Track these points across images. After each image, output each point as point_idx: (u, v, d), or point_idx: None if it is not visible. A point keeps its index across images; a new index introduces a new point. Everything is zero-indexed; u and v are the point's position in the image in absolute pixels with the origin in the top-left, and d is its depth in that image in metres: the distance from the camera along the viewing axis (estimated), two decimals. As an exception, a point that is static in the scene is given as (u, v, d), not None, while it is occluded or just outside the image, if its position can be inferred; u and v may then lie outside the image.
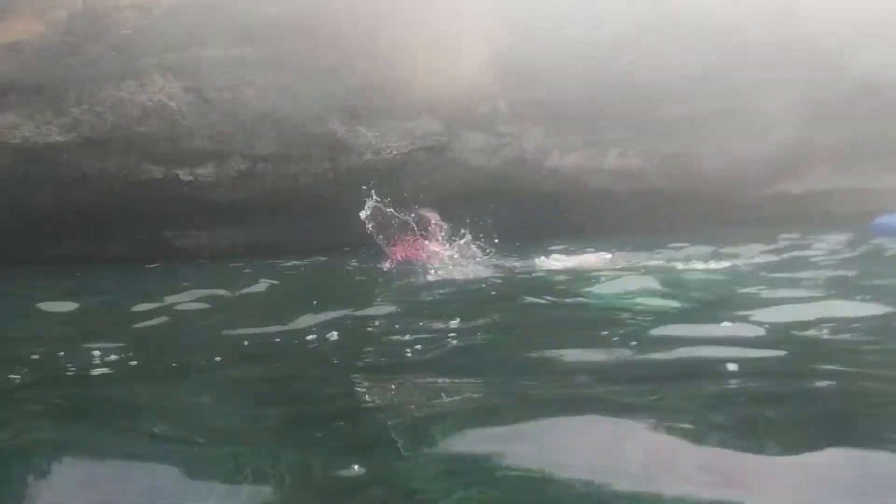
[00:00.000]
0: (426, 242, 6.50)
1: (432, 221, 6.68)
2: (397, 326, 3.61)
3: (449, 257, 6.28)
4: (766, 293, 4.15)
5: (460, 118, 9.68)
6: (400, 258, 6.49)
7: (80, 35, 8.98)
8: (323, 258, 8.40)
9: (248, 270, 7.32)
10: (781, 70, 10.53)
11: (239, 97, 9.01)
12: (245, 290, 5.48)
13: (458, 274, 5.79)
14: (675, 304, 3.94)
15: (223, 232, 9.89)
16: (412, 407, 2.19)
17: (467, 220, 6.44)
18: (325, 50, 9.14)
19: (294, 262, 7.97)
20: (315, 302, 4.28)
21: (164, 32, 8.97)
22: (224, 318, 4.20)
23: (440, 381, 2.52)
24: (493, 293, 4.89)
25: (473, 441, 1.76)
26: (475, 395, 2.29)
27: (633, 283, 4.63)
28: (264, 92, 9.06)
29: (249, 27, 9.02)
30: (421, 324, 3.62)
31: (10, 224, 8.90)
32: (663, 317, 3.49)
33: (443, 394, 2.35)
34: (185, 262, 9.09)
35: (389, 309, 4.17)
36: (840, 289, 4.23)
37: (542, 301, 4.29)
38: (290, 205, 9.57)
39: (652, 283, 4.58)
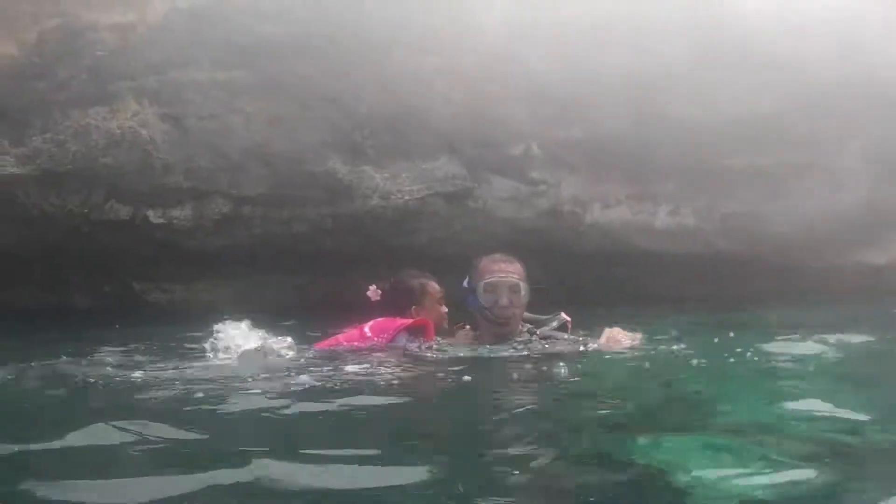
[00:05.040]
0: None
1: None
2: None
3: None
4: None
5: (486, 160, 8.21)
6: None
7: (51, 56, 7.84)
8: (288, 322, 6.44)
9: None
10: (858, 119, 9.05)
11: (224, 127, 7.65)
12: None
13: None
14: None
15: (201, 287, 8.46)
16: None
17: None
18: (330, 76, 7.77)
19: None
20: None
21: (144, 54, 7.76)
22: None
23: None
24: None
25: None
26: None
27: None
28: (255, 122, 7.70)
29: (243, 48, 7.74)
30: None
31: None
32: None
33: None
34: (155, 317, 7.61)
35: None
36: None
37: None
38: (280, 256, 8.12)
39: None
